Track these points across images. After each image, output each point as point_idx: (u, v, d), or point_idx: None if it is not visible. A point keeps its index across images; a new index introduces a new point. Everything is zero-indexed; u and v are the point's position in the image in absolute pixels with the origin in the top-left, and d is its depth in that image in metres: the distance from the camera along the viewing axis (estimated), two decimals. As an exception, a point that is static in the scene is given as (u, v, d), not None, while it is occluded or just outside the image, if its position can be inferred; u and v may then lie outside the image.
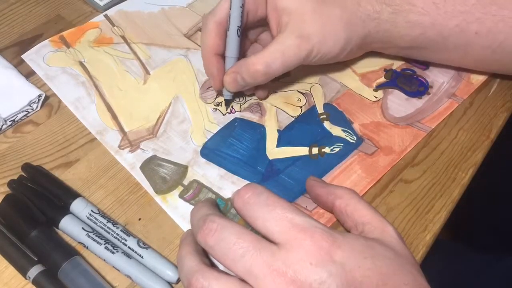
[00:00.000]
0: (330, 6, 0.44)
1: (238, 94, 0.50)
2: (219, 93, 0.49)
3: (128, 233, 0.40)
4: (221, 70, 0.46)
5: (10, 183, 0.42)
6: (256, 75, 0.44)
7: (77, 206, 0.42)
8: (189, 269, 0.33)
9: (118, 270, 0.39)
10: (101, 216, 0.41)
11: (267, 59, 0.43)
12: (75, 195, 0.42)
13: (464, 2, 0.43)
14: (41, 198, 0.41)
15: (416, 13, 0.44)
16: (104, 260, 0.39)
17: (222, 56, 0.46)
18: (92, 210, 0.41)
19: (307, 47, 0.43)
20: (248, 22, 0.46)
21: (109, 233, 0.40)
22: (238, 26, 0.44)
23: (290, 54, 0.43)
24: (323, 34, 0.43)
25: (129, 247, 0.39)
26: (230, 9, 0.44)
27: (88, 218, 0.41)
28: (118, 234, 0.40)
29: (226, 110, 0.49)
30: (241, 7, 0.44)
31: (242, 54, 0.48)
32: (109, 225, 0.40)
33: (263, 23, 0.47)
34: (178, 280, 0.39)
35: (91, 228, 0.41)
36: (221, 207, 0.43)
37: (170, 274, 0.38)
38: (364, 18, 0.44)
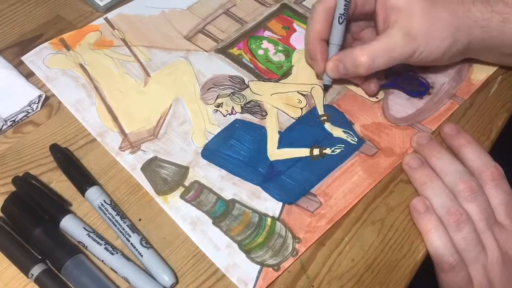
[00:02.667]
0: (440, 8, 0.44)
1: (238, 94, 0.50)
2: (319, 77, 0.51)
3: (134, 230, 0.40)
4: (324, 55, 0.48)
5: (14, 180, 0.42)
6: (360, 66, 0.45)
7: (92, 193, 0.42)
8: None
9: (116, 272, 0.39)
10: (112, 208, 0.41)
11: (373, 52, 0.44)
12: (92, 182, 0.43)
13: None
14: (44, 197, 0.41)
15: None
16: (103, 261, 0.39)
17: (326, 42, 0.48)
18: (104, 200, 0.42)
19: (413, 46, 0.44)
20: (354, 15, 0.47)
21: (115, 225, 0.40)
22: (341, 14, 0.46)
23: (395, 50, 0.44)
24: (429, 35, 0.44)
25: (131, 244, 0.39)
26: None
27: (99, 207, 0.41)
28: (123, 229, 0.40)
29: (324, 94, 0.50)
30: None
31: (345, 46, 0.49)
32: (117, 218, 0.41)
33: (368, 18, 0.49)
34: (173, 285, 0.39)
35: (92, 228, 0.41)
36: (222, 208, 0.43)
37: (166, 278, 0.38)
38: (473, 24, 0.44)
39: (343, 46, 0.48)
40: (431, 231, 0.41)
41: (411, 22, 0.44)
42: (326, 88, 0.50)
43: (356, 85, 0.51)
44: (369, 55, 0.44)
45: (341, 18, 0.46)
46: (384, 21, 0.46)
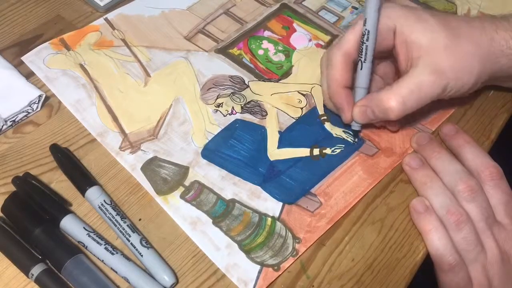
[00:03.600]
0: (463, 41, 0.43)
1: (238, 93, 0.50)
2: (347, 124, 0.47)
3: (134, 230, 0.40)
4: (351, 102, 0.45)
5: (14, 180, 0.42)
6: (389, 111, 0.43)
7: (92, 193, 0.42)
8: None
9: (116, 272, 0.39)
10: (112, 207, 0.41)
11: (402, 95, 0.42)
12: (92, 182, 0.43)
13: None
14: (44, 197, 0.41)
15: None
16: (103, 261, 0.39)
17: (349, 88, 0.45)
18: (104, 200, 0.42)
19: (443, 82, 0.42)
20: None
21: (115, 225, 0.40)
22: (367, 56, 0.43)
23: (425, 90, 0.42)
24: (457, 69, 0.42)
25: (131, 243, 0.40)
26: (364, 38, 0.43)
27: (99, 207, 0.41)
28: (123, 229, 0.40)
29: (354, 140, 0.47)
30: (375, 38, 0.43)
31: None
32: (118, 218, 0.41)
33: (386, 55, 0.46)
34: (174, 285, 0.39)
35: (92, 228, 0.41)
36: (222, 208, 0.43)
37: (166, 278, 0.38)
38: (498, 53, 0.43)
39: (369, 89, 0.46)
40: (431, 231, 0.41)
41: (437, 58, 0.42)
42: (355, 134, 0.47)
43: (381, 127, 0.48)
44: (397, 99, 0.42)
45: (365, 61, 0.44)
46: (406, 59, 0.44)
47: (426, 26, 0.43)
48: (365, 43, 0.43)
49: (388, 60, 0.48)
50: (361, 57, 0.44)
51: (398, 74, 0.47)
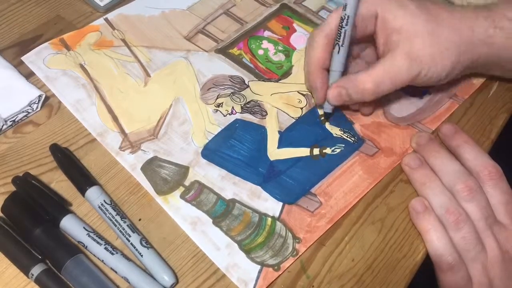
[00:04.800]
0: (442, 28, 0.43)
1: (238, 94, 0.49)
2: (320, 107, 0.49)
3: (134, 230, 0.40)
4: (325, 83, 0.46)
5: (14, 180, 0.42)
6: (364, 93, 0.44)
7: (92, 193, 0.42)
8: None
9: (116, 272, 0.39)
10: (112, 207, 0.41)
11: (377, 78, 0.43)
12: (92, 182, 0.43)
13: None
14: (44, 196, 0.41)
15: None
16: (103, 261, 0.39)
17: (327, 70, 0.46)
18: (104, 200, 0.42)
19: (417, 68, 0.43)
20: (355, 38, 0.46)
21: (115, 225, 0.40)
22: (342, 40, 0.44)
23: (400, 74, 0.43)
24: (434, 56, 0.43)
25: (131, 243, 0.40)
26: (343, 24, 0.43)
27: (99, 207, 0.41)
28: (123, 229, 0.40)
29: (325, 122, 0.48)
30: (351, 18, 0.43)
31: (345, 69, 0.47)
32: (117, 218, 0.41)
33: (369, 39, 0.47)
34: (174, 285, 0.39)
35: (92, 228, 0.41)
36: (222, 208, 0.43)
37: (166, 278, 0.38)
38: (477, 42, 0.44)
39: (344, 73, 0.46)
40: (430, 231, 0.41)
41: (414, 44, 0.43)
42: (327, 116, 0.48)
43: (355, 110, 0.49)
44: (373, 81, 0.43)
45: (342, 45, 0.44)
46: (385, 43, 0.44)
47: (407, 11, 0.43)
48: (344, 27, 0.43)
49: (373, 47, 0.49)
50: (339, 41, 0.44)
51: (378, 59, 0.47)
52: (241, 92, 0.51)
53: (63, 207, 0.42)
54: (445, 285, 0.41)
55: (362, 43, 0.49)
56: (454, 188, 0.42)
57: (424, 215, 0.42)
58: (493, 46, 0.44)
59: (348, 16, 0.43)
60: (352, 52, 0.49)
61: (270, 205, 0.43)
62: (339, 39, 0.44)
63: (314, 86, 0.47)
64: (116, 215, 0.41)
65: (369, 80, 0.43)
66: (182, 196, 0.44)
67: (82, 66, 0.52)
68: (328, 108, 0.47)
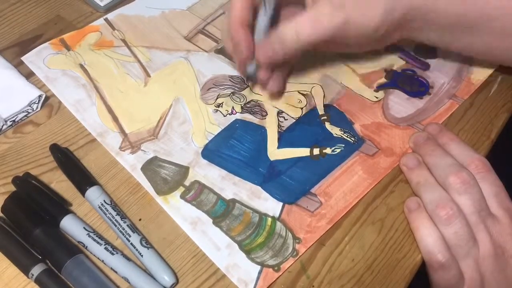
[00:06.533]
0: None
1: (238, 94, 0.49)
2: (243, 68, 0.46)
3: (134, 230, 0.40)
4: (249, 41, 0.44)
5: (14, 180, 0.42)
6: (286, 43, 0.41)
7: (92, 193, 0.42)
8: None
9: (116, 272, 0.39)
10: (112, 207, 0.41)
11: (298, 26, 0.41)
12: (92, 182, 0.43)
13: None
14: (44, 196, 0.41)
15: None
16: (103, 261, 0.39)
17: (250, 29, 0.44)
18: (104, 200, 0.42)
19: (342, 15, 0.40)
20: None
21: (115, 225, 0.40)
22: (273, 4, 0.42)
23: (322, 22, 0.41)
24: (359, 4, 0.41)
25: (131, 243, 0.40)
26: None
27: (99, 207, 0.41)
28: (123, 229, 0.40)
29: (248, 84, 0.47)
30: None
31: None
32: (117, 218, 0.41)
33: (298, 0, 0.45)
34: (174, 285, 0.39)
35: (92, 228, 0.41)
36: (222, 208, 0.43)
37: (166, 278, 0.38)
38: None
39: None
40: (419, 228, 0.41)
41: None
42: (250, 79, 0.47)
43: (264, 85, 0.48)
44: (294, 27, 0.41)
45: (266, 6, 0.43)
46: None
47: None
48: None
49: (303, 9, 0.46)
50: (264, 2, 0.43)
51: None
52: (241, 92, 0.51)
53: (63, 207, 0.42)
54: (436, 284, 0.41)
55: (292, 5, 0.46)
56: (446, 181, 0.41)
57: (415, 213, 0.42)
58: None
59: None
60: (282, 15, 0.46)
61: (270, 205, 0.43)
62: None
63: (238, 42, 0.44)
64: (116, 215, 0.41)
65: (291, 28, 0.41)
66: (182, 196, 0.44)
67: (82, 66, 0.52)
68: (251, 67, 0.45)
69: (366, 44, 0.45)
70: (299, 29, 0.41)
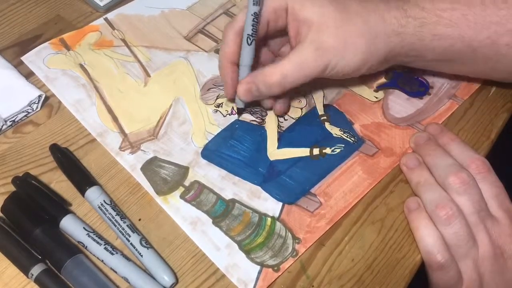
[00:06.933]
0: (352, 20, 0.43)
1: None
2: (231, 101, 0.49)
3: (134, 230, 0.40)
4: (235, 78, 0.46)
5: (14, 180, 0.42)
6: (272, 85, 0.43)
7: (92, 193, 0.42)
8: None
9: (116, 272, 0.39)
10: (112, 208, 0.41)
11: (284, 70, 0.43)
12: (92, 182, 0.43)
13: (495, 13, 0.42)
14: (44, 197, 0.41)
15: (444, 25, 0.43)
16: (103, 261, 0.39)
17: (237, 65, 0.46)
18: (104, 200, 0.42)
19: (325, 60, 0.42)
20: (268, 32, 0.45)
21: (115, 225, 0.40)
22: (248, 34, 0.43)
23: (307, 66, 0.42)
24: (342, 48, 0.42)
25: (131, 243, 0.40)
26: (247, 19, 0.43)
27: (99, 207, 0.41)
28: (123, 229, 0.40)
29: (238, 117, 0.48)
30: (253, 15, 0.43)
31: (261, 65, 0.47)
32: (117, 218, 0.41)
33: (284, 34, 0.46)
34: (173, 285, 0.39)
35: (92, 228, 0.41)
36: (222, 208, 0.43)
37: (166, 278, 0.38)
38: (389, 33, 0.43)
39: (255, 67, 0.46)
40: (420, 228, 0.41)
41: (322, 35, 0.42)
42: (239, 112, 0.48)
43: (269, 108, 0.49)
44: (280, 73, 0.42)
45: (250, 39, 0.44)
46: (296, 36, 0.44)
47: (315, 2, 0.43)
48: (251, 22, 0.43)
49: (286, 40, 0.48)
50: (246, 35, 0.44)
51: None
52: (241, 92, 0.51)
53: (63, 207, 0.42)
54: (435, 284, 0.41)
55: (278, 38, 0.48)
56: (446, 181, 0.41)
57: (415, 213, 0.42)
58: (406, 36, 0.43)
59: (255, 13, 0.43)
60: (270, 48, 0.49)
61: (270, 205, 0.43)
62: (247, 32, 0.43)
63: (225, 80, 0.47)
64: (116, 215, 0.41)
65: (276, 72, 0.43)
66: (182, 196, 0.44)
67: (82, 66, 0.52)
68: (240, 104, 0.47)
69: (352, 76, 0.46)
70: (284, 73, 0.43)
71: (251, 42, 0.44)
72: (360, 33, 0.42)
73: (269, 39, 0.48)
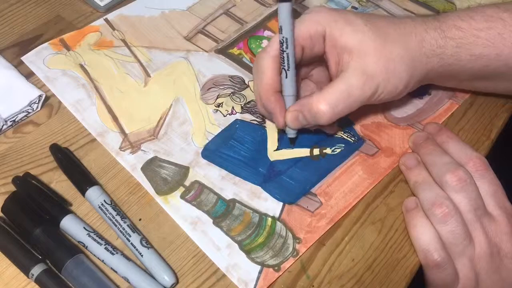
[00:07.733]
0: (392, 44, 0.42)
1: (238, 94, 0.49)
2: (282, 131, 0.47)
3: (134, 230, 0.40)
4: (283, 107, 0.44)
5: (14, 180, 0.42)
6: (319, 115, 0.42)
7: (92, 193, 0.42)
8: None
9: (116, 272, 0.39)
10: (112, 207, 0.41)
11: (331, 100, 0.41)
12: (92, 182, 0.43)
13: None
14: (44, 196, 0.41)
15: (481, 45, 0.42)
16: (103, 261, 0.39)
17: (280, 93, 0.44)
18: (105, 200, 0.42)
19: (372, 86, 0.42)
20: (303, 58, 0.44)
21: (115, 225, 0.40)
22: (290, 66, 0.42)
23: (355, 93, 0.41)
24: (387, 73, 0.42)
25: (131, 243, 0.40)
26: (283, 46, 0.42)
27: (99, 207, 0.41)
28: (124, 229, 0.40)
29: (292, 144, 0.47)
30: (293, 45, 0.42)
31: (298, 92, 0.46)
32: (118, 218, 0.41)
33: (318, 59, 0.46)
34: (174, 285, 0.39)
35: (92, 228, 0.41)
36: (222, 208, 0.43)
37: (166, 278, 0.38)
38: (428, 54, 0.43)
39: (298, 95, 0.45)
40: (415, 226, 0.41)
41: (366, 61, 0.41)
42: (292, 141, 0.47)
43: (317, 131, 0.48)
44: (328, 103, 0.41)
45: (289, 69, 0.43)
46: (337, 63, 0.43)
47: (354, 28, 0.42)
48: (285, 51, 0.42)
49: (322, 66, 0.47)
50: (284, 65, 0.42)
51: (331, 79, 0.46)
52: (241, 92, 0.51)
53: (63, 207, 0.42)
54: (431, 282, 0.41)
55: (311, 64, 0.47)
56: (443, 179, 0.41)
57: (412, 212, 0.42)
58: (445, 56, 0.43)
59: (286, 39, 0.41)
60: (301, 72, 0.47)
61: (270, 205, 0.43)
62: (284, 63, 0.42)
63: (273, 112, 0.44)
64: (116, 215, 0.41)
65: (323, 102, 0.41)
66: (182, 196, 0.44)
67: (82, 66, 0.52)
68: (291, 134, 0.46)
69: (393, 100, 0.45)
70: (333, 104, 0.41)
71: (290, 72, 0.43)
72: (401, 58, 0.42)
73: (301, 65, 0.46)
